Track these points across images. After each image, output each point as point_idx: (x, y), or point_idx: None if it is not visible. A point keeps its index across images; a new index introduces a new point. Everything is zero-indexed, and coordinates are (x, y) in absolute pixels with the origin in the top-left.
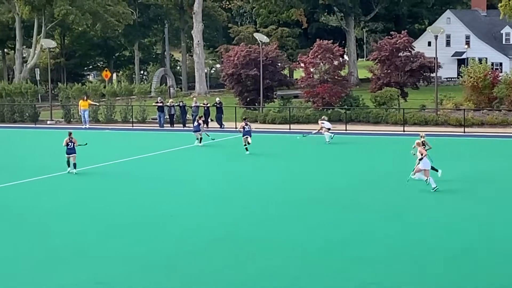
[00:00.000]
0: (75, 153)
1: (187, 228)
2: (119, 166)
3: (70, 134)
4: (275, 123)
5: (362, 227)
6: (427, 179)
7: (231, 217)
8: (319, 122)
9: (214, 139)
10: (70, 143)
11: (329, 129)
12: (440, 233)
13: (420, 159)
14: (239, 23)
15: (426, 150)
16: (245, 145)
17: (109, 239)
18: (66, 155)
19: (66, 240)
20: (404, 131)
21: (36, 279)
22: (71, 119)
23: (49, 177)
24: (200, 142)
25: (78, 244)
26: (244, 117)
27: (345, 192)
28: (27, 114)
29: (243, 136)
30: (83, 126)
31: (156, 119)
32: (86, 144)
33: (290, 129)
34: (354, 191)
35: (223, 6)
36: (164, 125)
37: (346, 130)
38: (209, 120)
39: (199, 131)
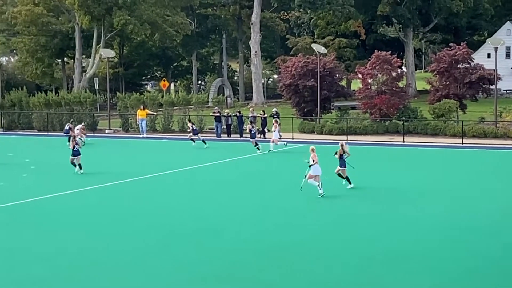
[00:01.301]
0: (79, 154)
1: (244, 237)
2: (177, 175)
3: (74, 137)
4: (332, 134)
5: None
6: (318, 184)
7: (289, 226)
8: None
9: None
10: (76, 146)
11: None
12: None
13: (310, 166)
14: (296, 34)
15: (345, 158)
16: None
17: (165, 247)
18: (71, 157)
19: (124, 245)
20: (462, 143)
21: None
22: (129, 129)
23: (112, 185)
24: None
25: (135, 251)
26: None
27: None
28: (85, 123)
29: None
30: (141, 136)
31: (213, 129)
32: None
33: (347, 140)
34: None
35: (281, 17)
36: (221, 135)
37: (403, 142)
38: (266, 130)
39: (254, 138)
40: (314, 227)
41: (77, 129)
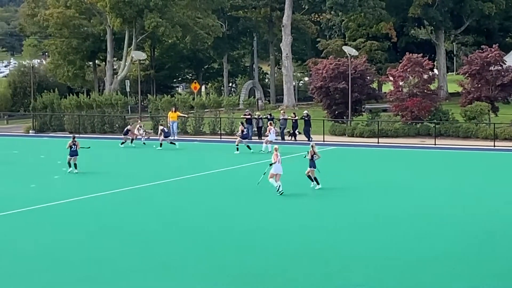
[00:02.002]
0: (77, 155)
1: (275, 242)
2: (209, 177)
3: (74, 138)
4: (363, 137)
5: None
6: (277, 184)
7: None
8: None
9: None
10: (73, 146)
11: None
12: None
13: (271, 164)
14: (327, 36)
15: (315, 160)
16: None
17: (197, 249)
18: (69, 156)
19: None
20: (494, 146)
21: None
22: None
23: (144, 187)
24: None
25: (171, 251)
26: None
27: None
28: (117, 125)
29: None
30: (172, 138)
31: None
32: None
33: (378, 143)
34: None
35: (312, 19)
36: (252, 137)
37: (435, 144)
38: (297, 132)
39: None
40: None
41: (139, 129)
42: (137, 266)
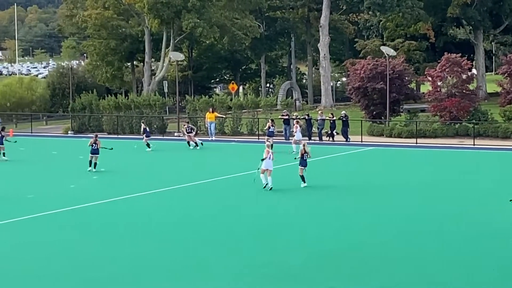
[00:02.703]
0: (98, 154)
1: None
2: (247, 178)
3: (96, 136)
4: (401, 137)
5: None
6: (268, 178)
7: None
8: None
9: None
10: (94, 145)
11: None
12: None
13: (262, 160)
14: (365, 36)
15: (305, 159)
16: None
17: (237, 248)
18: (90, 155)
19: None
20: None
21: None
22: (198, 131)
23: (182, 187)
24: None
25: (204, 250)
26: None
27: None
28: (155, 125)
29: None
30: (209, 138)
31: (282, 132)
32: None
33: (416, 143)
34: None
35: (350, 19)
36: (290, 137)
37: (474, 145)
38: (335, 133)
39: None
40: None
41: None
42: (168, 266)
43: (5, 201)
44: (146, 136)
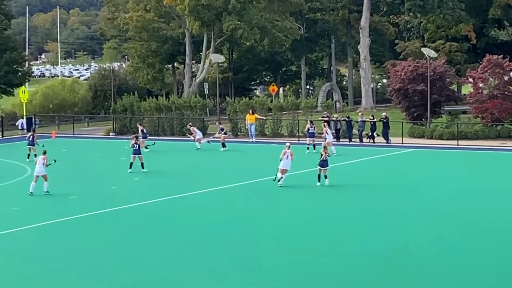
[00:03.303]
0: (140, 154)
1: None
2: (290, 180)
3: (136, 137)
4: (442, 139)
5: None
6: (281, 177)
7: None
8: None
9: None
10: (135, 145)
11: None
12: None
13: (281, 160)
14: (406, 38)
15: (325, 160)
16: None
17: (269, 249)
18: (132, 156)
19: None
20: None
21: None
22: (238, 133)
23: (222, 189)
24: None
25: (228, 252)
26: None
27: None
28: (196, 127)
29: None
30: (250, 140)
31: (322, 134)
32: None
33: (458, 145)
34: None
35: (391, 21)
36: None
37: None
38: (375, 135)
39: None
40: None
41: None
42: (213, 266)
43: (48, 201)
44: (143, 138)
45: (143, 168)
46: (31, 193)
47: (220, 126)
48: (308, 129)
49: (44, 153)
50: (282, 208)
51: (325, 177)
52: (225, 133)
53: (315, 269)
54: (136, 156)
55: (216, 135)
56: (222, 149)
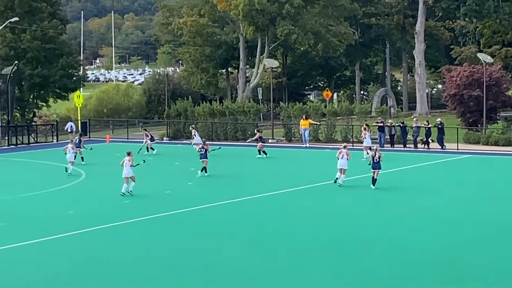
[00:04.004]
0: (206, 158)
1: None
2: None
3: (204, 142)
4: (498, 145)
5: None
6: (340, 176)
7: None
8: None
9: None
10: (202, 150)
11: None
12: None
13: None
14: (461, 43)
15: (377, 162)
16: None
17: (328, 256)
18: (200, 160)
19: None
20: None
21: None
22: (292, 138)
23: (276, 194)
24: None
25: (287, 258)
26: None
27: None
28: (249, 132)
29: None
30: (304, 145)
31: (377, 139)
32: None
33: None
34: None
35: (446, 26)
36: (385, 145)
37: None
38: (430, 140)
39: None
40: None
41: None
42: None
43: (102, 206)
44: (151, 140)
45: (206, 172)
46: (123, 193)
47: (258, 133)
48: (364, 135)
49: (129, 154)
50: (340, 209)
51: (374, 180)
52: (262, 141)
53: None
54: (203, 160)
55: (251, 139)
56: (258, 156)
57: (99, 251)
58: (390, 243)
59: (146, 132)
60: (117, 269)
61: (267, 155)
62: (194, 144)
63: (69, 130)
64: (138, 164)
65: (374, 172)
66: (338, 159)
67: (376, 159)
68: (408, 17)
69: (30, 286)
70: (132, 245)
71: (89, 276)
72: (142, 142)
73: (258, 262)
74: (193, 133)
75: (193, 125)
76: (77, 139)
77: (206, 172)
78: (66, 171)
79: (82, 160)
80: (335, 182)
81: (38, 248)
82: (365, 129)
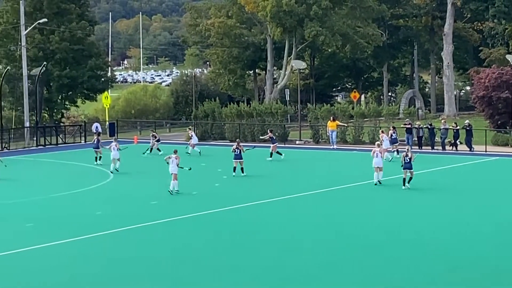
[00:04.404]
0: (241, 159)
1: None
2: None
3: (238, 142)
4: None
5: None
6: (377, 174)
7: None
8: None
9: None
10: (236, 150)
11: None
12: None
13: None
14: (490, 45)
15: (408, 162)
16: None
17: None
18: (234, 160)
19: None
20: None
21: None
22: (319, 140)
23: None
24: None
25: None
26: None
27: None
28: (276, 133)
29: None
30: (331, 147)
31: (405, 141)
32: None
33: None
34: None
35: (474, 28)
36: (412, 147)
37: None
38: (458, 142)
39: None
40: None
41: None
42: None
43: (130, 206)
44: (157, 141)
45: (242, 172)
46: (170, 191)
47: (270, 133)
48: (391, 135)
49: (175, 152)
50: (373, 213)
51: (409, 179)
52: (273, 142)
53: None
54: (238, 160)
55: (262, 137)
56: (268, 158)
57: (128, 251)
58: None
59: (154, 133)
60: (150, 268)
61: (283, 155)
62: (191, 145)
63: (94, 131)
64: (182, 168)
65: (405, 172)
66: (373, 158)
67: (407, 160)
68: (436, 18)
69: (60, 285)
70: (162, 244)
71: (119, 276)
72: (182, 142)
73: (296, 263)
74: (190, 135)
75: (190, 127)
76: (95, 139)
77: (243, 172)
78: (116, 170)
79: (100, 160)
80: (376, 184)
81: (66, 248)
82: (382, 132)
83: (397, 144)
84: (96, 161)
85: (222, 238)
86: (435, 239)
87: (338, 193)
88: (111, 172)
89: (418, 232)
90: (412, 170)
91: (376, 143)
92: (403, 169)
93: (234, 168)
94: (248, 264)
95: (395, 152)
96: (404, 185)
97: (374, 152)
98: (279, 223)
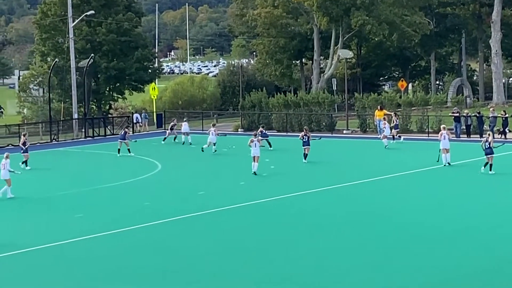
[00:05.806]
0: (309, 145)
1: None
2: (418, 175)
3: (306, 130)
4: None
5: None
6: (440, 155)
7: None
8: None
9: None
10: (305, 137)
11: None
12: None
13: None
14: None
15: (489, 147)
16: None
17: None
18: (303, 147)
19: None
20: None
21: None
22: (367, 129)
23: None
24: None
25: (376, 250)
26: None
27: None
28: (323, 123)
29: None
30: (379, 136)
31: (453, 129)
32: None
33: None
34: None
35: None
36: (461, 135)
37: None
38: (507, 130)
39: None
40: None
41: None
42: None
43: (176, 197)
44: (170, 129)
45: (305, 158)
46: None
47: (172, 122)
48: (395, 122)
49: (255, 135)
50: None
51: (490, 166)
52: (265, 136)
53: None
54: (306, 147)
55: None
56: (270, 148)
57: (173, 242)
58: None
59: (173, 123)
60: (196, 260)
61: (271, 147)
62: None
63: (135, 121)
64: (263, 146)
65: (488, 158)
66: (440, 141)
67: (487, 145)
68: (484, 6)
69: (107, 275)
70: (208, 236)
71: (163, 268)
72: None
73: (348, 254)
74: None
75: (184, 119)
76: (123, 131)
77: (305, 159)
78: (212, 151)
79: (129, 152)
80: (437, 161)
81: (115, 238)
82: (384, 119)
83: (398, 130)
84: (118, 152)
85: (275, 228)
86: None
87: (402, 179)
88: (202, 150)
89: None
90: (493, 155)
91: (442, 125)
92: (485, 154)
93: (305, 155)
94: (296, 256)
95: (399, 138)
96: (490, 170)
97: (441, 135)
98: (333, 213)
